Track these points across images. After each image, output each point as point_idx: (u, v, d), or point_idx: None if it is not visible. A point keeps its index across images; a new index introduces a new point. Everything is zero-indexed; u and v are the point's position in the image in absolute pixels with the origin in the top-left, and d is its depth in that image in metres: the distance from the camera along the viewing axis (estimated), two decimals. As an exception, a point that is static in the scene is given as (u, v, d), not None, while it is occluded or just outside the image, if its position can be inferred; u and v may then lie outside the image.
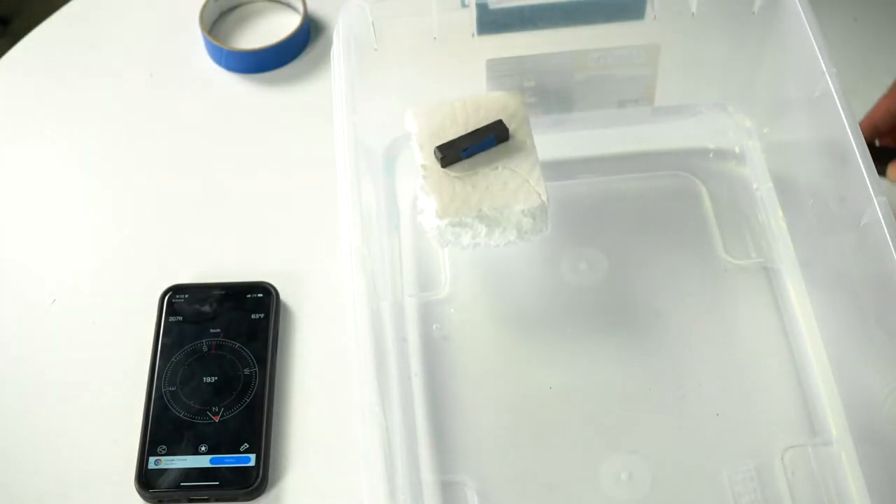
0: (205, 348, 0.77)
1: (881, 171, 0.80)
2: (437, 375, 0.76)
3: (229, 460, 0.73)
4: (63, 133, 0.90)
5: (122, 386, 0.76)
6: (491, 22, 0.77)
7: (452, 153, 0.75)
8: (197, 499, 0.72)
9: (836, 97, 0.71)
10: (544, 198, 0.74)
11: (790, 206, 0.81)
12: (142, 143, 0.89)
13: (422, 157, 0.76)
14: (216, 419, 0.74)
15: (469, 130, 0.76)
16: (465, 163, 0.76)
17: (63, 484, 0.73)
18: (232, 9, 0.96)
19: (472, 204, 0.74)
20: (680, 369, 0.76)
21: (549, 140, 0.85)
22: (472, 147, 0.75)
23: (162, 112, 0.91)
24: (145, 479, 0.72)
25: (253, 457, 0.73)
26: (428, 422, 0.74)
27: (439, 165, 0.75)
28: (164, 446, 0.73)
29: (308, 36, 0.94)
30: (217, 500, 0.72)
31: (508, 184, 0.75)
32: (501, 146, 0.76)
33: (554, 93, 0.83)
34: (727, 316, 0.79)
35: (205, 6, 0.93)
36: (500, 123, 0.76)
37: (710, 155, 0.86)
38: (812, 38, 0.73)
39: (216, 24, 0.95)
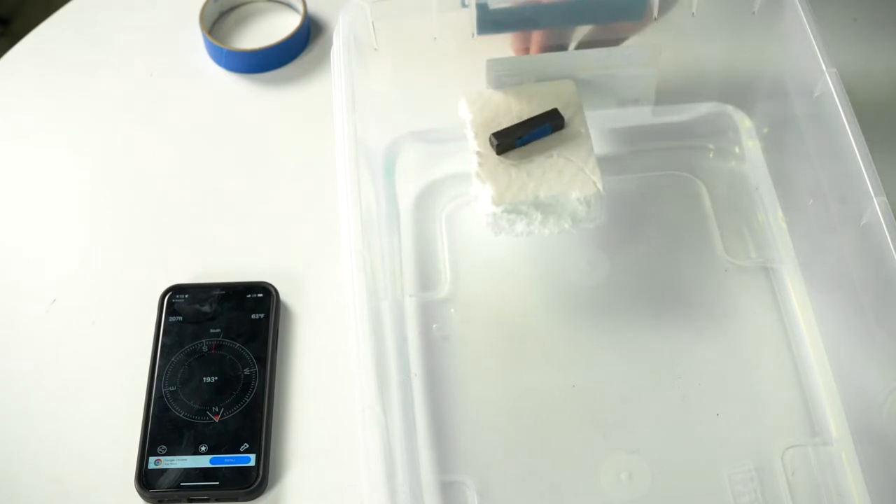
0: (205, 348, 0.77)
1: None
2: (437, 375, 0.76)
3: (229, 460, 0.73)
4: (63, 133, 0.90)
5: (122, 386, 0.76)
6: (491, 22, 0.77)
7: (508, 141, 0.75)
8: (197, 499, 0.72)
9: (836, 97, 0.71)
10: (600, 186, 0.74)
11: (790, 206, 0.81)
12: (142, 142, 0.89)
13: (476, 144, 0.76)
14: (216, 419, 0.74)
15: (522, 119, 0.77)
16: (520, 151, 0.76)
17: (63, 484, 0.73)
18: (232, 9, 0.96)
19: (528, 191, 0.74)
20: (680, 369, 0.76)
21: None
22: (527, 135, 0.75)
23: (162, 112, 0.91)
24: (145, 479, 0.72)
25: (253, 457, 0.73)
26: (428, 422, 0.74)
27: (494, 153, 0.76)
28: (164, 446, 0.73)
29: (308, 36, 0.94)
30: (217, 500, 0.72)
31: (564, 172, 0.75)
32: (556, 135, 0.76)
33: (554, 93, 0.83)
34: (727, 316, 0.78)
35: (205, 6, 0.93)
36: (555, 112, 0.76)
37: (710, 155, 0.86)
38: (812, 38, 0.73)
39: (216, 24, 0.95)
